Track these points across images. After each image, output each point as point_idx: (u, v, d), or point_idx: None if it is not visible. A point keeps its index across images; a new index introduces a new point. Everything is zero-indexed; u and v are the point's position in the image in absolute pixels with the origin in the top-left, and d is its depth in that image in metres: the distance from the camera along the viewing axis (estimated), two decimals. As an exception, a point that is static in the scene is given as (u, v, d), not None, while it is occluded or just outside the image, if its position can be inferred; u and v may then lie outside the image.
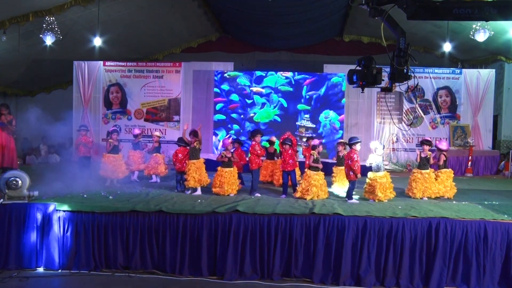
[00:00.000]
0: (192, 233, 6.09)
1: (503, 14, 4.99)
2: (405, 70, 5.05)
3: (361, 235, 5.94)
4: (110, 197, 6.98)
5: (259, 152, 8.06)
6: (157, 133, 10.00)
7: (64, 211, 6.18)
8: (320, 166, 7.49)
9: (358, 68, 5.16)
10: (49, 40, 10.92)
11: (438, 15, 5.14)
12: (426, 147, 7.99)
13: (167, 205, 6.32)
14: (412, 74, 5.10)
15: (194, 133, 7.82)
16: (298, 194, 7.36)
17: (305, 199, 7.17)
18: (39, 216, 6.17)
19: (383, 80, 5.20)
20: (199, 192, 7.70)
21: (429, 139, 8.90)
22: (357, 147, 7.38)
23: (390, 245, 5.91)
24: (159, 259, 6.16)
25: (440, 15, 5.11)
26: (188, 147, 7.99)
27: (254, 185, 7.85)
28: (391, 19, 5.07)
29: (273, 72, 14.54)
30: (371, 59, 5.13)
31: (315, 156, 7.41)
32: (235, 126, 14.49)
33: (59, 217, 6.16)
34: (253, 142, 8.14)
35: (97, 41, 12.05)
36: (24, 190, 6.30)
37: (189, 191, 7.77)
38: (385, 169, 7.59)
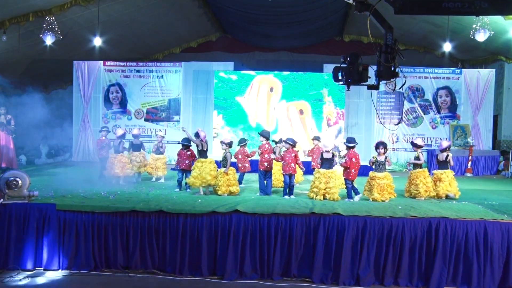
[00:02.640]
0: (192, 233, 6.07)
1: (495, 8, 4.82)
2: (392, 67, 4.86)
3: (361, 235, 5.93)
4: (110, 197, 6.97)
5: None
6: (160, 133, 10.35)
7: (64, 211, 6.17)
8: None
9: (343, 65, 4.96)
10: (49, 40, 10.94)
11: (426, 9, 4.96)
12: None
13: (167, 205, 6.31)
14: (400, 72, 4.90)
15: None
16: (320, 197, 7.20)
17: (327, 199, 7.16)
18: (39, 216, 6.15)
19: (369, 77, 5.07)
20: (200, 192, 7.70)
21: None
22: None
23: (390, 245, 5.90)
24: (159, 259, 6.15)
25: (429, 9, 4.92)
26: (187, 149, 8.21)
27: (261, 185, 7.89)
28: (378, 14, 4.89)
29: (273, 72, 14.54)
30: (357, 55, 4.96)
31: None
32: (235, 126, 14.48)
33: (59, 217, 6.14)
34: (264, 142, 8.21)
35: (97, 41, 12.06)
36: (24, 190, 6.29)
37: (189, 190, 7.78)
38: (386, 169, 7.58)
